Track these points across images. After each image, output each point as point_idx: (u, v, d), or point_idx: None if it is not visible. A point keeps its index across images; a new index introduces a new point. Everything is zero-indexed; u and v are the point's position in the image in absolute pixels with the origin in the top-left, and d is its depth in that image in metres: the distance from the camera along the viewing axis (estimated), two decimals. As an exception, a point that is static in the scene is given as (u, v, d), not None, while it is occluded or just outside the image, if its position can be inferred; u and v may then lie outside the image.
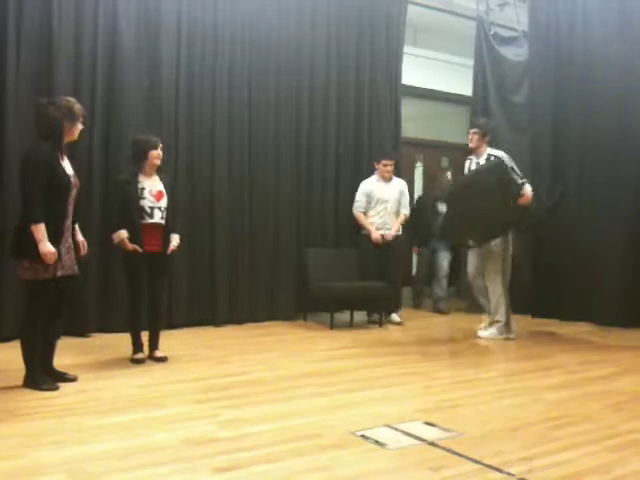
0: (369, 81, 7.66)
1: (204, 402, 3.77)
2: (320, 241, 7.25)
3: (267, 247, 6.88)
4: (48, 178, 3.86)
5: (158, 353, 4.86)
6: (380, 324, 6.73)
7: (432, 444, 3.15)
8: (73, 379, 4.20)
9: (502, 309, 6.04)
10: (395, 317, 6.98)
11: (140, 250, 4.69)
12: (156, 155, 4.85)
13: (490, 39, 8.21)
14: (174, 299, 6.23)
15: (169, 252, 4.90)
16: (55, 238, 3.88)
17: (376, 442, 3.16)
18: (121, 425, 3.37)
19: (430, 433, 3.31)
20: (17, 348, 5.26)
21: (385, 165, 6.91)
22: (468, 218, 5.74)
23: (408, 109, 8.21)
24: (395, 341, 6.10)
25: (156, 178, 4.89)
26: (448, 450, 3.06)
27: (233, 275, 6.66)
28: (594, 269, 6.84)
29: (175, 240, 4.94)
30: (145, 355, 4.83)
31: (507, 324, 6.08)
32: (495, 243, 5.97)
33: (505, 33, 8.39)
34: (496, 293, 6.03)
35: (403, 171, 8.12)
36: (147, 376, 4.37)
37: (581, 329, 6.75)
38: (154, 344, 4.89)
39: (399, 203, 6.97)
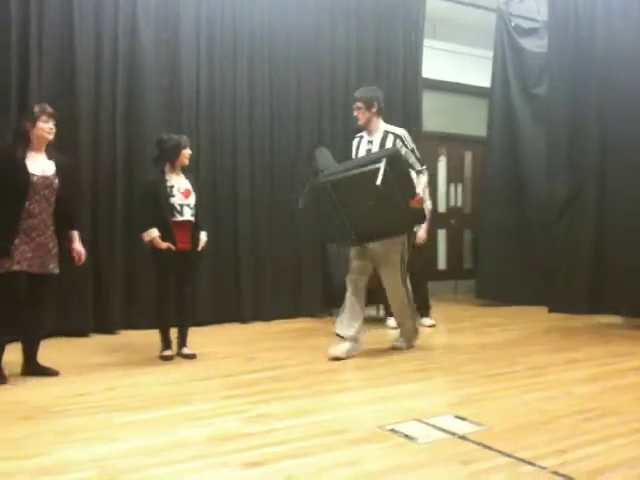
0: (389, 75, 7.66)
1: (232, 398, 3.78)
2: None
3: (291, 243, 6.89)
4: (5, 177, 4.03)
5: (186, 350, 4.90)
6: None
7: (462, 438, 3.12)
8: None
9: (408, 314, 5.26)
10: (427, 320, 6.56)
11: (173, 247, 4.72)
12: (187, 154, 4.90)
13: (511, 31, 8.14)
14: (199, 296, 6.26)
15: (200, 249, 4.93)
16: (8, 234, 4.00)
17: (405, 436, 3.14)
18: (150, 422, 3.40)
19: (460, 427, 3.29)
20: (49, 347, 5.38)
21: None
22: (352, 208, 4.84)
23: (429, 102, 8.18)
24: (421, 337, 6.06)
25: (182, 176, 4.94)
26: (479, 444, 3.04)
27: (257, 271, 6.69)
28: (617, 260, 6.68)
29: (204, 237, 4.98)
30: (173, 352, 4.86)
31: (415, 330, 5.38)
32: (394, 248, 5.02)
33: (526, 24, 8.32)
34: (398, 300, 5.18)
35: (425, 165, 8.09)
36: (175, 373, 4.39)
37: (609, 321, 6.66)
38: (182, 341, 4.93)
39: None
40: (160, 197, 4.77)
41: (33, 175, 4.06)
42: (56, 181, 4.17)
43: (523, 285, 7.82)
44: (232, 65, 6.62)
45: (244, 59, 6.69)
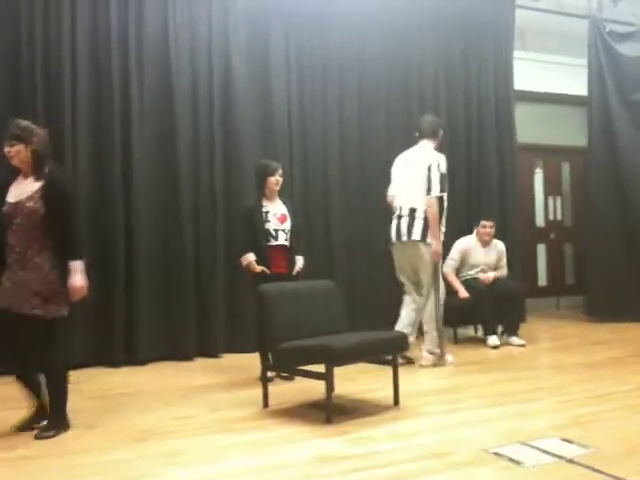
0: (479, 90, 7.60)
1: (333, 420, 3.80)
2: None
3: (382, 267, 6.73)
4: None
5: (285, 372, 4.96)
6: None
7: (571, 461, 3.02)
8: None
9: (433, 335, 5.32)
10: (515, 340, 6.29)
11: (268, 271, 4.86)
12: (274, 181, 5.04)
13: (605, 37, 7.89)
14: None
15: (295, 273, 5.04)
16: None
17: (510, 460, 3.07)
18: (255, 443, 3.47)
19: (568, 450, 3.18)
20: (154, 370, 5.60)
21: (484, 226, 6.52)
22: None
23: (523, 114, 8.03)
24: (524, 355, 5.90)
25: (279, 202, 5.11)
26: (588, 467, 2.92)
27: (351, 298, 6.59)
28: None
29: (300, 262, 5.11)
30: (274, 374, 4.94)
31: (441, 355, 5.36)
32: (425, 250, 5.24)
33: (621, 29, 8.04)
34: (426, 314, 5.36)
35: (521, 178, 7.96)
36: (277, 394, 4.44)
37: None
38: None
39: (496, 268, 6.59)
40: (256, 223, 4.95)
41: (6, 203, 3.61)
42: (29, 204, 3.55)
43: (634, 300, 7.45)
44: (322, 93, 6.75)
45: (334, 86, 6.79)
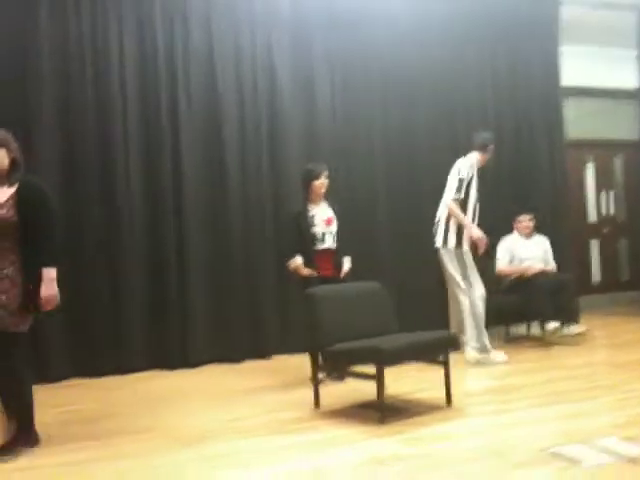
0: (527, 87, 7.46)
1: (386, 420, 3.79)
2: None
3: (431, 269, 6.63)
4: None
5: (335, 373, 4.94)
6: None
7: (632, 461, 2.95)
8: None
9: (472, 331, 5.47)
10: (574, 328, 6.20)
11: (315, 274, 4.89)
12: (319, 185, 5.06)
13: (655, 27, 7.69)
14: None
15: (342, 276, 5.04)
16: None
17: (569, 460, 3.02)
18: (309, 444, 3.49)
19: (628, 449, 3.11)
20: (204, 372, 5.66)
21: (520, 221, 6.71)
22: None
23: (573, 109, 7.87)
24: (578, 353, 5.79)
25: (325, 205, 5.13)
26: (650, 467, 2.86)
27: (399, 297, 6.50)
28: None
29: (347, 263, 5.10)
30: (324, 375, 4.94)
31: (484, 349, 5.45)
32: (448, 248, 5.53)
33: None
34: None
35: (572, 174, 7.80)
36: (328, 396, 4.44)
37: None
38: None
39: (544, 261, 6.59)
40: (302, 227, 4.99)
41: None
42: (2, 212, 3.37)
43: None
44: (367, 100, 6.72)
45: (377, 90, 6.76)
